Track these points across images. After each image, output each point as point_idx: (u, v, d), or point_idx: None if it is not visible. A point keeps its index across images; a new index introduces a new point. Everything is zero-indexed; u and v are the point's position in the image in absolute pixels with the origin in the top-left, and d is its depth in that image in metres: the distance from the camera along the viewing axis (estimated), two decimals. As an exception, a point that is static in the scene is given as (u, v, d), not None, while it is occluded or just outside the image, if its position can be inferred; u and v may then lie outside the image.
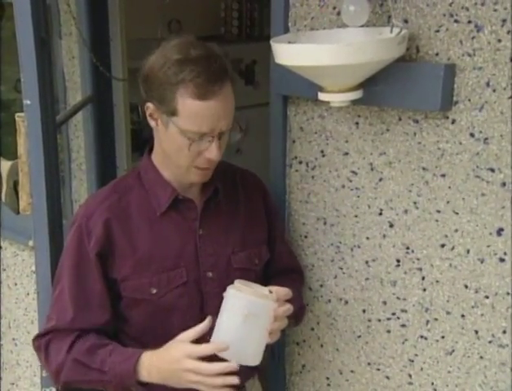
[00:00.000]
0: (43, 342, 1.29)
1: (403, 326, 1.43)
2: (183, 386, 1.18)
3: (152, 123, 1.25)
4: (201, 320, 1.22)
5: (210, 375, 1.13)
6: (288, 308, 1.20)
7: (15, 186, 2.35)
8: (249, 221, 1.38)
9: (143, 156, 1.34)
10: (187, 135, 1.19)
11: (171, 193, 1.29)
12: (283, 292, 1.21)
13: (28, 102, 1.66)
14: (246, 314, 1.13)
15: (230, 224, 1.35)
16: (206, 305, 1.30)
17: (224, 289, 1.18)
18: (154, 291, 1.27)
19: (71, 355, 1.24)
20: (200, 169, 1.26)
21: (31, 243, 2.23)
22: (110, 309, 1.28)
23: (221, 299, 1.18)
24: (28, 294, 2.51)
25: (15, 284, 2.55)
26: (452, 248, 1.32)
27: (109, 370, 1.21)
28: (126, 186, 1.32)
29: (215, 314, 1.22)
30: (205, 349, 1.14)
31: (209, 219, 1.32)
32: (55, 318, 1.28)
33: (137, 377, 1.19)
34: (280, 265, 1.47)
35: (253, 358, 1.17)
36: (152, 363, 1.18)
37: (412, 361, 1.44)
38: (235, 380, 1.12)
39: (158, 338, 1.25)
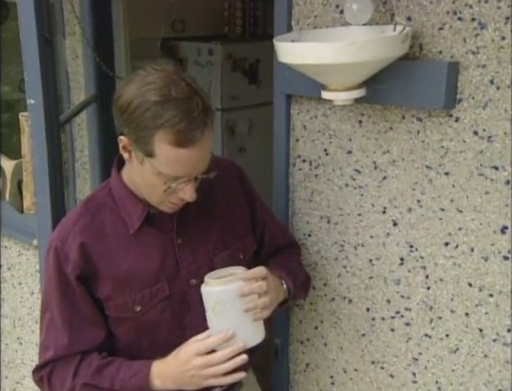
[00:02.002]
0: (45, 374, 1.27)
1: (407, 324, 1.43)
2: (198, 387, 1.19)
3: (125, 155, 1.20)
4: (186, 328, 1.27)
5: (222, 362, 1.15)
6: (258, 285, 1.18)
7: (19, 185, 2.36)
8: (229, 215, 1.36)
9: (112, 172, 1.30)
10: (162, 177, 1.15)
11: (142, 210, 1.25)
12: (250, 274, 1.20)
13: (32, 101, 1.67)
14: (213, 306, 1.17)
15: (208, 225, 1.33)
16: (192, 312, 1.29)
17: None
18: (138, 308, 1.25)
19: (78, 380, 1.23)
20: (172, 203, 1.23)
21: (35, 242, 2.23)
22: (104, 325, 1.27)
23: None
24: (32, 293, 2.52)
25: (20, 283, 2.56)
26: (456, 247, 1.32)
27: (121, 387, 1.21)
28: (98, 205, 1.28)
29: (203, 317, 1.25)
30: (211, 342, 1.16)
31: (186, 227, 1.29)
32: (53, 347, 1.26)
33: (151, 388, 1.20)
34: (275, 246, 1.46)
35: (254, 338, 1.19)
36: (164, 371, 1.19)
37: (417, 359, 1.44)
38: (244, 358, 1.16)
39: (144, 350, 1.28)
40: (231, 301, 1.16)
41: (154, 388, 1.20)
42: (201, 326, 1.26)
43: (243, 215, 1.39)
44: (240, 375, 1.18)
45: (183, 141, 1.11)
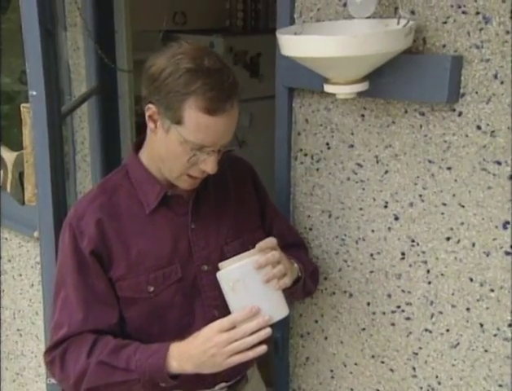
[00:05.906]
0: (57, 353, 1.24)
1: (407, 319, 1.43)
2: (217, 368, 1.16)
3: (150, 125, 1.21)
4: (197, 314, 1.27)
5: (246, 335, 1.12)
6: (271, 254, 1.18)
7: (20, 177, 2.36)
8: (240, 208, 1.38)
9: (130, 154, 1.32)
10: (188, 145, 1.17)
11: (159, 191, 1.27)
12: (262, 244, 1.20)
13: (34, 93, 1.66)
14: (231, 286, 1.16)
15: (221, 214, 1.35)
16: (203, 298, 1.30)
17: None
18: (151, 289, 1.26)
19: (93, 359, 1.20)
20: (191, 178, 1.24)
21: (36, 234, 2.23)
22: (117, 307, 1.26)
23: (217, 290, 1.21)
24: (32, 285, 2.52)
25: (20, 275, 2.56)
26: (458, 241, 1.32)
27: (136, 368, 1.18)
28: (115, 186, 1.29)
29: (212, 305, 1.27)
30: (236, 317, 1.14)
31: (200, 212, 1.31)
32: (66, 324, 1.24)
33: (168, 370, 1.17)
34: (282, 243, 1.46)
35: (278, 311, 1.18)
36: (182, 351, 1.17)
37: (417, 354, 1.44)
38: (268, 332, 1.14)
39: (154, 335, 1.27)
40: (249, 276, 1.15)
41: (171, 370, 1.17)
42: (210, 313, 1.27)
43: (254, 209, 1.42)
44: (262, 349, 1.14)
45: (213, 109, 1.14)
